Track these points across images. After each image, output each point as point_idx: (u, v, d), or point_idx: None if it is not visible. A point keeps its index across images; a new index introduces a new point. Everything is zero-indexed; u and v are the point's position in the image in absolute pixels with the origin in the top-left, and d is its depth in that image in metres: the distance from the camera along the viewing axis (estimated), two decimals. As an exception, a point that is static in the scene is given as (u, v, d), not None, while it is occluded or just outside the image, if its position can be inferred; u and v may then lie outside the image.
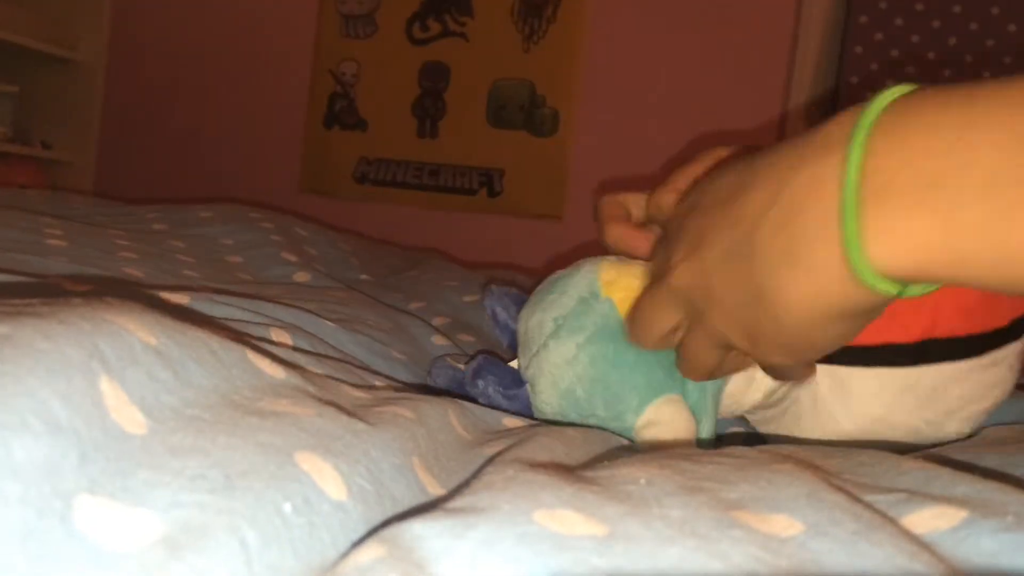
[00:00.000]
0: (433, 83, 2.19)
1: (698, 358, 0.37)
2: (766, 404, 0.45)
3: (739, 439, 0.51)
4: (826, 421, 0.43)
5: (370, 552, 0.18)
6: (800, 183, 0.29)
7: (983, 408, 0.42)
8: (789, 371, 0.37)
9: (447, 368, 0.48)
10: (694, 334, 0.37)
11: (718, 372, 0.38)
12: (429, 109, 2.20)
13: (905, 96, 0.27)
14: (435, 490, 0.25)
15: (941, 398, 0.41)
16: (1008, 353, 0.42)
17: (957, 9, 1.73)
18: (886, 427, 0.42)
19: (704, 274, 0.33)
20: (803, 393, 0.44)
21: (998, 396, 0.42)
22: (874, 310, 0.30)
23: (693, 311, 0.36)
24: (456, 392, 0.46)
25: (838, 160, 0.27)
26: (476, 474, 0.25)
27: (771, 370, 0.37)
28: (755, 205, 0.31)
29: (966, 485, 0.24)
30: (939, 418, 0.42)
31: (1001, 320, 0.41)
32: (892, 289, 0.28)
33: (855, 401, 0.42)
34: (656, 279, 0.38)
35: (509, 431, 0.36)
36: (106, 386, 0.20)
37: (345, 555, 0.19)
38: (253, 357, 0.27)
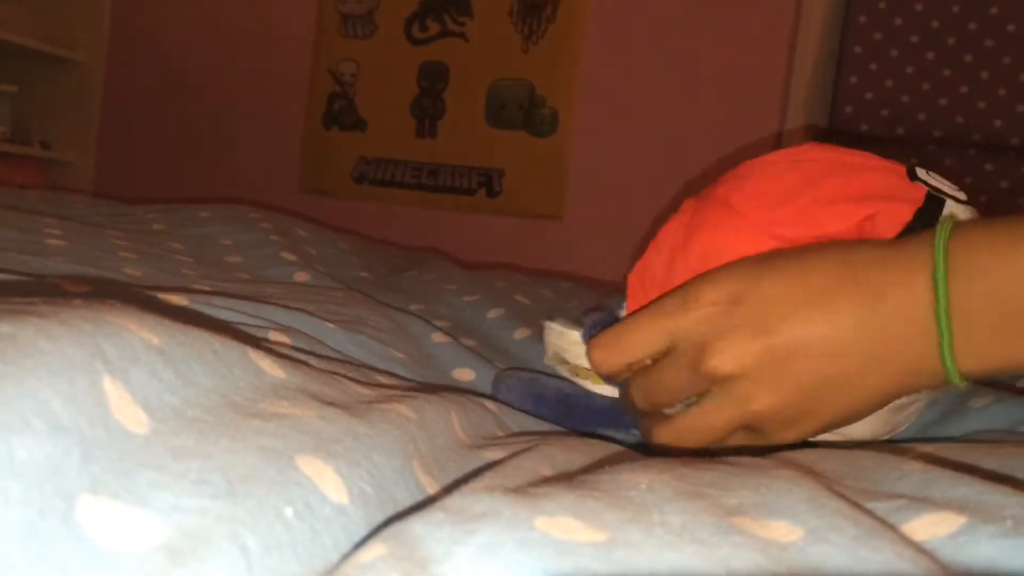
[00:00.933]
0: (432, 83, 2.19)
1: (708, 433, 0.38)
2: None
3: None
4: None
5: (371, 551, 0.18)
6: (893, 307, 0.34)
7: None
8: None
9: (523, 382, 0.49)
10: (719, 414, 0.38)
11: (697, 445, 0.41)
12: (428, 109, 2.20)
13: (960, 228, 0.34)
14: (435, 492, 0.25)
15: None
16: None
17: (956, 9, 1.73)
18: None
19: (773, 356, 0.36)
20: None
21: None
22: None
23: (728, 396, 0.37)
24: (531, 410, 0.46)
25: (925, 287, 0.33)
26: (477, 476, 0.25)
27: (733, 443, 0.40)
28: (853, 308, 0.35)
29: (965, 487, 0.24)
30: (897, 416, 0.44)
31: None
32: (967, 385, 0.34)
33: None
34: (675, 369, 0.39)
35: (509, 438, 0.36)
36: (109, 386, 0.20)
37: (346, 557, 0.19)
38: (254, 356, 0.27)
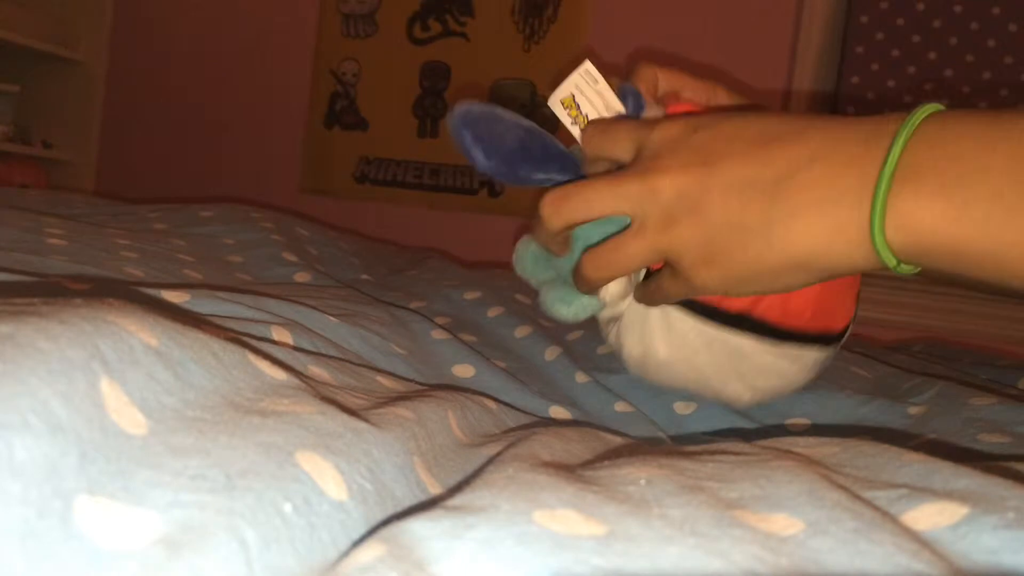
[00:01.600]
0: (434, 83, 2.19)
1: (626, 259, 0.42)
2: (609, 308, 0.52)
3: (738, 435, 0.51)
4: (648, 342, 0.50)
5: (370, 551, 0.18)
6: (845, 156, 0.34)
7: (767, 385, 0.50)
8: (677, 297, 0.43)
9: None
10: (638, 238, 0.41)
11: (618, 275, 0.44)
12: (430, 109, 2.20)
13: (940, 112, 0.33)
14: (435, 490, 0.25)
15: (736, 362, 0.49)
16: (805, 355, 0.48)
17: (958, 9, 1.73)
18: (688, 366, 0.50)
19: (704, 187, 0.38)
20: (635, 312, 0.50)
21: (781, 385, 0.51)
22: (845, 275, 0.37)
23: (654, 215, 0.40)
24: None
25: (882, 148, 0.33)
26: (476, 473, 0.25)
27: (665, 292, 0.43)
28: (794, 157, 0.36)
29: (967, 479, 0.24)
30: (728, 376, 0.50)
31: (811, 327, 0.47)
32: (892, 261, 0.34)
33: (673, 335, 0.49)
34: (622, 172, 0.42)
35: (507, 434, 0.36)
36: (106, 387, 0.20)
37: (345, 555, 0.19)
38: (254, 359, 0.27)
